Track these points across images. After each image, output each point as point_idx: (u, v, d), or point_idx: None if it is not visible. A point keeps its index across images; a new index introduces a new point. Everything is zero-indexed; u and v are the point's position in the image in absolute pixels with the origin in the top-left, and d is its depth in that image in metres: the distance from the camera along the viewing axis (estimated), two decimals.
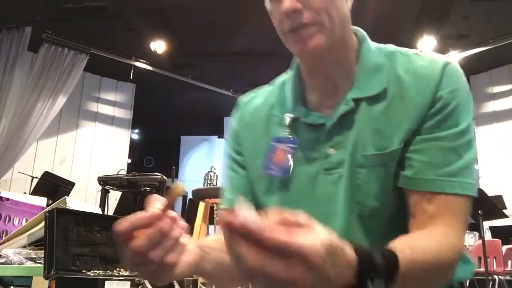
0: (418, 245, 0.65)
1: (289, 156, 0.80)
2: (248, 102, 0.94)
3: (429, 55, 0.81)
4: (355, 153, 0.77)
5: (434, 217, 0.71)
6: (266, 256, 0.44)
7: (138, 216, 0.56)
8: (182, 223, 0.60)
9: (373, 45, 0.85)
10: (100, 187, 3.11)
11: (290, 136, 0.82)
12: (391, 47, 0.85)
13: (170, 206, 0.54)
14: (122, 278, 1.17)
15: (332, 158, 0.79)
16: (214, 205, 3.82)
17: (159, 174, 3.00)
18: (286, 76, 0.91)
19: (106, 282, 1.12)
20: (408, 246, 0.62)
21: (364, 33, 0.86)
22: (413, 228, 0.73)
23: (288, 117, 0.83)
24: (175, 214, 0.57)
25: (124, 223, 0.56)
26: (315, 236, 0.46)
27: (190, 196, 3.69)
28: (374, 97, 0.78)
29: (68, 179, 6.32)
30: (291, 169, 0.80)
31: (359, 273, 0.52)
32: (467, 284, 5.60)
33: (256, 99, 0.93)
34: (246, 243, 0.44)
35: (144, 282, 1.19)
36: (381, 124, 0.77)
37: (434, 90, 0.75)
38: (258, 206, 0.87)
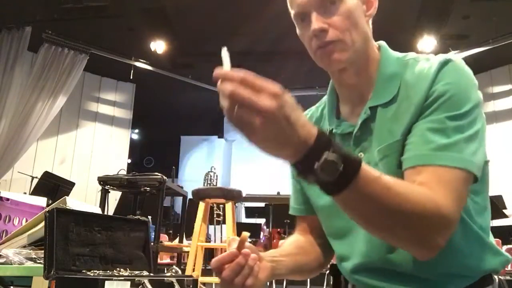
0: (389, 177, 0.72)
1: None
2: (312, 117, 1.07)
3: (437, 56, 0.87)
4: (375, 153, 0.87)
5: (421, 184, 0.75)
6: (240, 87, 0.61)
7: (223, 255, 0.78)
8: (254, 255, 0.80)
9: (394, 55, 0.94)
10: (100, 187, 3.10)
11: None
12: (410, 55, 0.93)
13: (242, 246, 0.78)
14: (122, 278, 1.17)
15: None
16: (214, 205, 3.81)
17: (159, 174, 3.00)
18: (324, 99, 1.05)
19: (106, 282, 1.12)
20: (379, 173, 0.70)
21: (386, 46, 0.95)
22: None
23: (326, 131, 0.94)
24: (247, 250, 0.78)
25: (215, 261, 0.78)
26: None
27: (190, 196, 3.69)
28: (387, 103, 0.88)
29: (68, 179, 6.32)
30: None
31: (317, 137, 0.63)
32: None
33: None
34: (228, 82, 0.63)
35: (144, 282, 1.19)
36: (393, 124, 0.85)
37: (430, 86, 0.82)
38: (311, 209, 1.03)
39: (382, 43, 0.95)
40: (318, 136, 0.63)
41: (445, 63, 0.83)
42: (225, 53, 0.66)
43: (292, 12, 0.90)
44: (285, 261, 0.93)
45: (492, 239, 0.87)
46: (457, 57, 0.86)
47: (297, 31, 0.93)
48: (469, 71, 0.85)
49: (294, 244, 1.02)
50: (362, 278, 0.91)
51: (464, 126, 0.78)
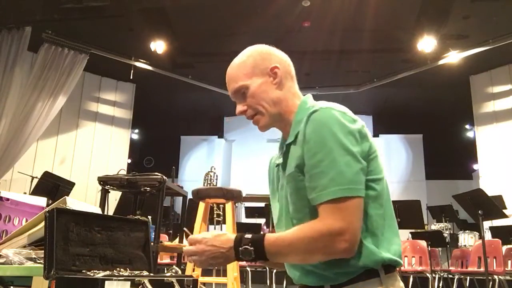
0: (284, 232, 1.08)
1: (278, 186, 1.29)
2: (272, 159, 1.37)
3: (315, 106, 1.14)
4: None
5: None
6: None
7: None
8: None
9: (308, 105, 1.21)
10: (100, 187, 3.10)
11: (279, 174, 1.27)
12: (318, 104, 1.17)
13: None
14: (122, 278, 1.17)
15: (282, 181, 1.23)
16: (214, 205, 3.81)
17: (159, 174, 2.99)
18: None
19: (106, 282, 1.12)
20: (276, 234, 1.09)
21: (306, 98, 1.25)
22: None
23: (277, 163, 1.27)
24: None
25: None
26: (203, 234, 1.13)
27: (190, 196, 3.69)
28: (292, 141, 1.17)
29: (68, 179, 6.33)
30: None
31: (234, 243, 1.07)
32: (467, 284, 5.60)
33: (275, 157, 1.37)
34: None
35: (144, 282, 1.19)
36: (294, 158, 1.14)
37: (303, 134, 1.11)
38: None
39: (307, 96, 1.26)
40: (234, 240, 1.07)
41: (311, 114, 1.10)
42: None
43: None
44: None
45: (379, 243, 1.09)
46: (326, 105, 1.12)
47: None
48: (330, 118, 1.08)
49: None
50: None
51: (334, 160, 1.04)
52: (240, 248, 1.05)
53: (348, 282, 1.07)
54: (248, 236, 1.06)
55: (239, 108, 1.24)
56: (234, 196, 3.56)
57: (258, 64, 1.23)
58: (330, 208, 1.03)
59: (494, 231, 5.93)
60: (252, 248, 1.04)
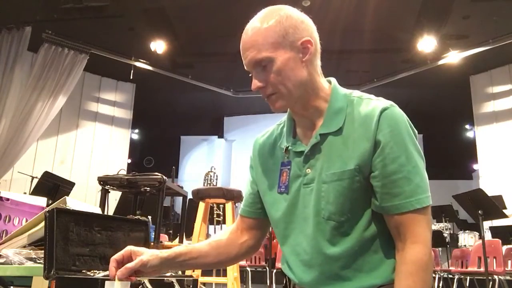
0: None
1: (288, 176, 1.10)
2: (259, 139, 1.24)
3: (376, 101, 1.05)
4: (322, 172, 1.03)
5: (403, 233, 0.97)
6: None
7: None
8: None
9: (341, 92, 1.10)
10: (100, 187, 3.10)
11: (287, 161, 1.11)
12: (355, 93, 1.10)
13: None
14: None
15: (308, 176, 1.06)
16: (214, 205, 3.81)
17: (159, 174, 2.99)
18: (284, 118, 1.21)
19: (106, 282, 1.12)
20: None
21: (335, 82, 1.12)
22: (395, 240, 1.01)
23: (284, 147, 1.13)
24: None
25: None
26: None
27: (190, 196, 3.69)
28: (335, 132, 1.04)
29: (68, 179, 6.32)
30: (289, 186, 1.10)
31: None
32: (467, 284, 5.60)
33: (264, 137, 1.23)
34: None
35: (144, 282, 1.19)
36: (341, 152, 1.02)
37: (374, 134, 0.99)
38: (255, 212, 1.22)
39: (333, 79, 1.13)
40: None
41: (383, 110, 1.00)
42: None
43: None
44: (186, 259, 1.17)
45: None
46: (388, 102, 1.03)
47: None
48: (403, 118, 1.01)
49: (210, 246, 1.19)
50: None
51: (416, 165, 0.99)
52: None
53: None
54: None
55: (256, 83, 1.04)
56: (234, 196, 3.56)
57: (288, 34, 1.01)
58: (419, 218, 0.96)
59: (494, 231, 5.93)
60: None
